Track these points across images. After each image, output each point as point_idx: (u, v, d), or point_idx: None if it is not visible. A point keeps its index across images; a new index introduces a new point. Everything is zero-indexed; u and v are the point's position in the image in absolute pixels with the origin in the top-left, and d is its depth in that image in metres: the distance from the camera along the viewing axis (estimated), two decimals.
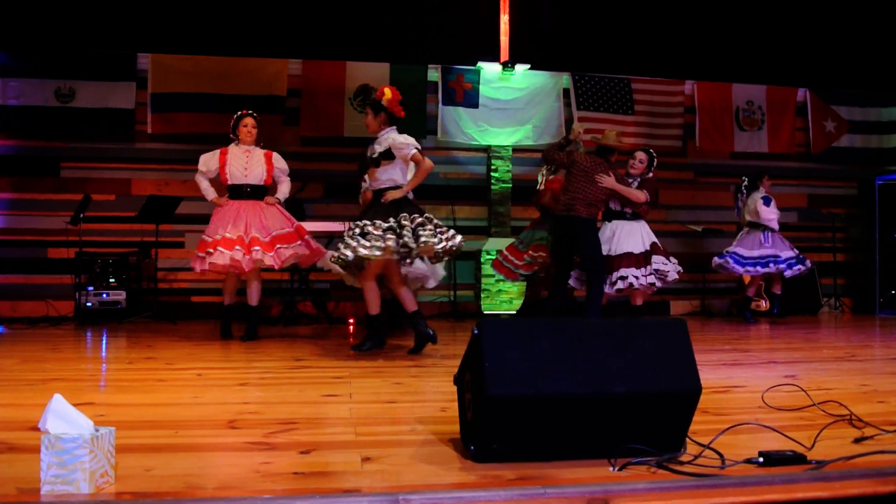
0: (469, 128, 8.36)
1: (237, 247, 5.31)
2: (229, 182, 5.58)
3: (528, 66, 8.43)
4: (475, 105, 8.40)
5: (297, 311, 7.36)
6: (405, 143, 4.69)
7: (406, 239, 4.36)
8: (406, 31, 8.10)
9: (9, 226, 7.72)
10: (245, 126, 5.60)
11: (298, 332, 6.40)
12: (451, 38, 8.19)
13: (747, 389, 3.40)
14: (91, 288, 7.05)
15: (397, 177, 4.74)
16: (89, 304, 7.01)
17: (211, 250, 5.34)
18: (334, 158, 7.90)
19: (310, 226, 7.53)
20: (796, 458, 2.03)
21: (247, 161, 5.59)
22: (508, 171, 8.45)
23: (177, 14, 7.64)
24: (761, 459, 2.03)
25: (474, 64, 8.40)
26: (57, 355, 4.75)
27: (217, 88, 7.82)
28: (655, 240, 6.38)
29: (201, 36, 7.79)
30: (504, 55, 8.33)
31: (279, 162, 5.76)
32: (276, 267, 5.58)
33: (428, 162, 4.69)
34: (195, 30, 7.75)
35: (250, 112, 5.75)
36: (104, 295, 7.06)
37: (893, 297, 8.81)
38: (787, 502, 1.79)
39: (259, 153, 5.67)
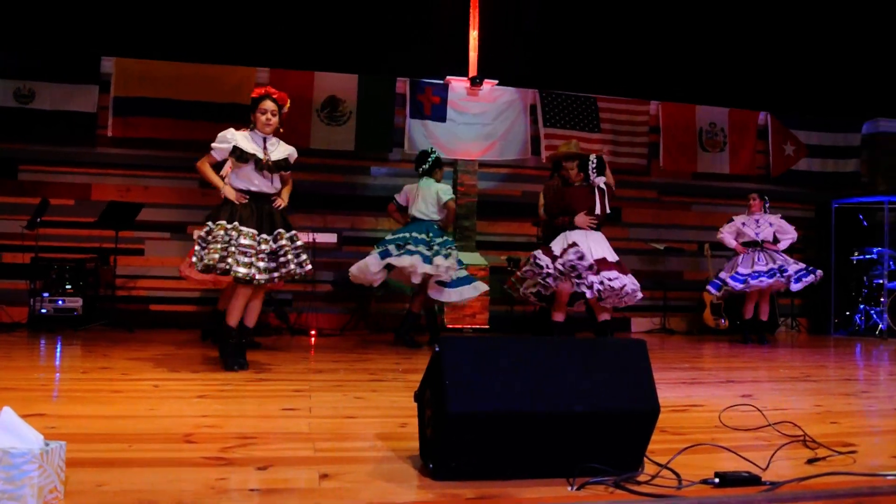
0: (436, 141, 8.38)
1: None
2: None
3: (496, 81, 8.49)
4: (443, 119, 8.44)
5: (259, 322, 7.27)
6: (296, 157, 4.66)
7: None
8: (375, 43, 8.11)
9: None
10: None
11: (260, 342, 6.32)
12: (421, 52, 8.22)
13: (705, 409, 3.45)
14: (46, 294, 6.89)
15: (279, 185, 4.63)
16: (44, 310, 6.85)
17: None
18: (300, 168, 7.80)
19: None
20: (751, 479, 2.06)
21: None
22: (475, 185, 8.49)
23: (143, 17, 7.55)
24: (717, 480, 2.05)
25: (443, 78, 8.44)
26: (8, 364, 4.62)
27: (182, 94, 7.73)
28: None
29: (167, 41, 7.71)
30: (472, 70, 8.39)
31: None
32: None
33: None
34: (161, 34, 7.66)
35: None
36: (60, 302, 6.90)
37: (848, 318, 9.02)
38: None
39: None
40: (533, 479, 2.06)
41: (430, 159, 6.43)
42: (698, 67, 8.83)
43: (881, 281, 8.68)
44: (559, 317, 5.97)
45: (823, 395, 4.00)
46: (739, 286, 7.29)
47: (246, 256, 4.20)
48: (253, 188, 4.42)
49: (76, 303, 6.94)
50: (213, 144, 4.43)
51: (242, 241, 4.23)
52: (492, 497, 1.91)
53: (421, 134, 8.35)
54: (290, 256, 4.37)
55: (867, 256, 9.00)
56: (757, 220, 7.53)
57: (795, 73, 8.98)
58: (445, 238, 6.26)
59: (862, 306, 8.85)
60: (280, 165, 4.50)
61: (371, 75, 8.28)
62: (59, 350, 5.48)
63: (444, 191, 6.33)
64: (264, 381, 4.13)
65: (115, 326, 6.93)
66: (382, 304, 8.17)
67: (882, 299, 8.61)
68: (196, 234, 4.41)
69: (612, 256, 5.81)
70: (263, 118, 4.48)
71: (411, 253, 5.96)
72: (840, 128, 9.66)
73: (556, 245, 5.84)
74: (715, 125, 9.22)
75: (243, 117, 8.02)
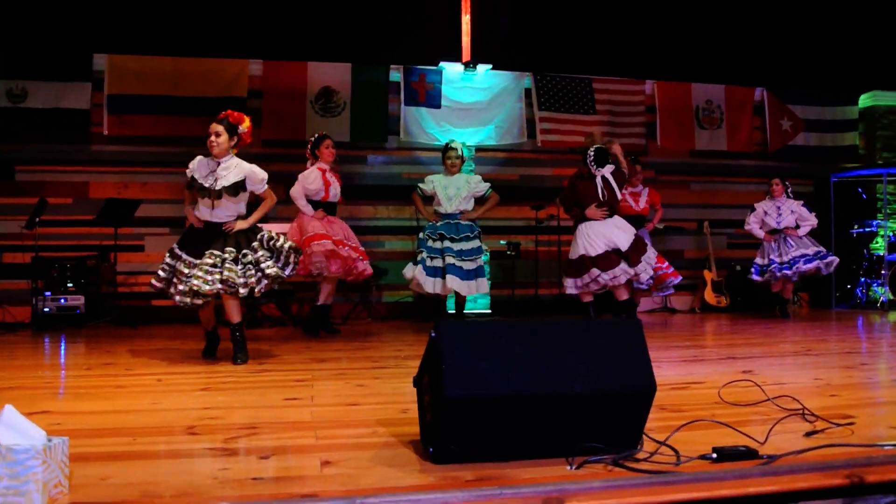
0: (431, 128, 8.37)
1: (329, 241, 5.84)
2: (329, 200, 6.10)
3: (490, 66, 8.47)
4: (437, 106, 8.42)
5: (261, 314, 7.30)
6: (263, 178, 4.57)
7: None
8: (368, 31, 8.08)
9: None
10: (328, 147, 6.11)
11: (262, 334, 6.36)
12: (413, 39, 8.19)
13: (705, 385, 3.47)
14: (48, 293, 6.91)
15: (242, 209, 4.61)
16: (47, 309, 6.87)
17: (318, 242, 5.78)
18: (296, 160, 7.80)
19: (272, 226, 7.50)
20: (748, 454, 2.08)
21: (334, 180, 6.16)
22: (471, 171, 8.48)
23: (134, 13, 7.51)
24: (714, 455, 2.07)
25: (436, 64, 8.41)
26: (13, 363, 4.65)
27: (176, 90, 7.72)
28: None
29: (159, 36, 7.68)
30: (466, 56, 8.36)
31: None
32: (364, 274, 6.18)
33: (274, 197, 4.79)
34: (153, 29, 7.63)
35: (327, 134, 6.29)
36: (62, 300, 6.92)
37: (849, 292, 9.03)
38: (739, 497, 1.83)
39: (335, 173, 6.25)
40: (532, 459, 2.09)
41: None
42: (693, 45, 8.79)
43: (881, 253, 8.68)
44: (587, 297, 6.39)
45: (823, 369, 4.02)
46: (788, 272, 7.34)
47: (183, 284, 4.28)
48: (202, 217, 4.48)
49: (78, 301, 6.95)
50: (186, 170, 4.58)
51: (179, 267, 4.34)
52: (491, 478, 1.93)
53: (416, 121, 8.34)
54: (228, 275, 4.23)
55: (867, 229, 9.00)
56: (778, 207, 7.55)
57: (791, 48, 8.94)
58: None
59: (863, 279, 8.86)
60: (226, 192, 4.38)
61: (364, 64, 8.25)
62: (62, 348, 5.51)
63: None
64: (266, 371, 4.16)
65: (117, 323, 6.96)
66: (384, 291, 8.19)
67: (882, 272, 8.61)
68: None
69: (625, 243, 6.11)
70: (208, 141, 4.42)
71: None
72: (837, 101, 9.63)
73: (581, 247, 6.22)
74: (711, 102, 9.20)
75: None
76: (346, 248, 5.97)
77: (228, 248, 4.35)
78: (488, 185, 6.66)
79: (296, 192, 6.06)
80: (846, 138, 9.66)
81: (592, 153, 6.22)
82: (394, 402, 3.11)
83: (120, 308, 7.25)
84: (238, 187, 4.43)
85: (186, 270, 4.30)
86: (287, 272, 4.47)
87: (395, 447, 2.32)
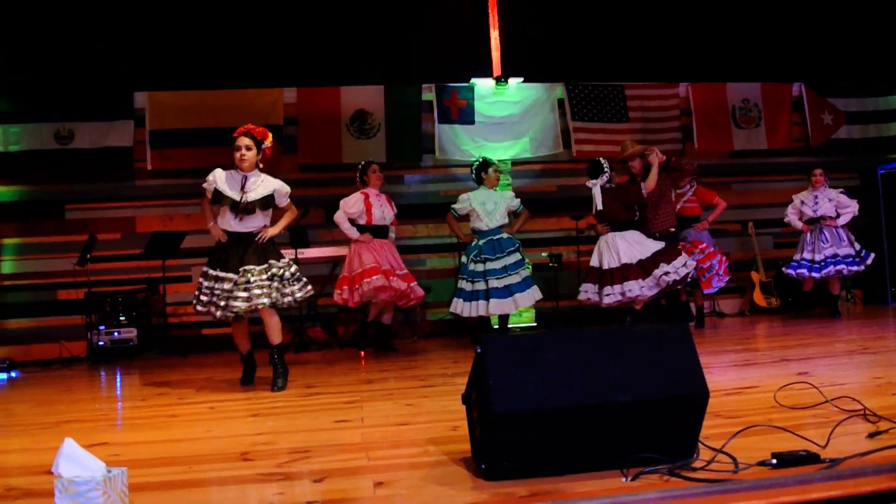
0: (466, 144, 8.39)
1: (380, 276, 6.04)
2: (373, 223, 6.27)
3: (521, 79, 8.46)
4: (471, 122, 8.43)
5: (308, 338, 7.37)
6: (287, 191, 4.69)
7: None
8: (398, 52, 8.14)
9: (17, 270, 7.78)
10: (375, 172, 6.38)
11: (309, 358, 6.41)
12: (444, 57, 8.22)
13: (760, 390, 3.39)
14: (102, 327, 7.08)
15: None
16: (101, 342, 7.04)
17: (368, 279, 6.00)
18: (334, 184, 7.92)
19: (313, 252, 7.61)
20: (810, 458, 2.03)
21: (381, 204, 6.35)
22: (509, 185, 8.47)
23: (170, 50, 7.70)
24: (774, 461, 2.02)
25: (468, 81, 8.44)
26: (70, 396, 4.77)
27: (214, 122, 7.87)
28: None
29: (196, 71, 7.85)
30: (496, 70, 8.36)
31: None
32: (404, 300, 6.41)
33: (296, 210, 4.98)
34: (189, 65, 7.80)
35: (373, 160, 6.62)
36: (115, 333, 7.09)
37: None
38: (802, 503, 1.78)
39: (384, 197, 6.46)
40: (586, 472, 2.06)
41: (473, 168, 6.69)
42: (727, 44, 8.66)
43: None
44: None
45: (883, 367, 3.90)
46: (816, 276, 7.25)
47: (222, 300, 4.32)
48: (230, 229, 4.49)
49: (131, 333, 7.12)
50: (203, 185, 4.57)
51: (225, 286, 4.34)
52: (545, 493, 1.91)
53: (450, 138, 8.37)
54: (256, 291, 4.28)
55: None
56: (816, 197, 7.43)
57: (826, 40, 8.75)
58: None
59: None
60: (256, 206, 4.46)
61: (397, 85, 8.33)
62: (118, 380, 5.63)
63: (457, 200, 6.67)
64: (316, 395, 4.19)
65: (169, 353, 7.09)
66: (427, 309, 8.21)
67: None
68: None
69: (631, 258, 6.15)
70: (237, 155, 4.47)
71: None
72: (878, 92, 9.39)
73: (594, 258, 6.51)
74: (748, 101, 9.05)
75: (277, 138, 8.21)
76: (396, 278, 6.13)
77: (261, 264, 4.39)
78: (519, 200, 6.66)
79: (338, 216, 6.26)
80: (891, 128, 9.40)
81: (588, 166, 6.48)
82: (443, 420, 3.10)
83: (170, 338, 7.39)
84: (268, 201, 4.53)
85: (227, 286, 4.32)
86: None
87: (446, 465, 2.31)
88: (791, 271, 7.43)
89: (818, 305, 7.91)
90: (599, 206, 6.34)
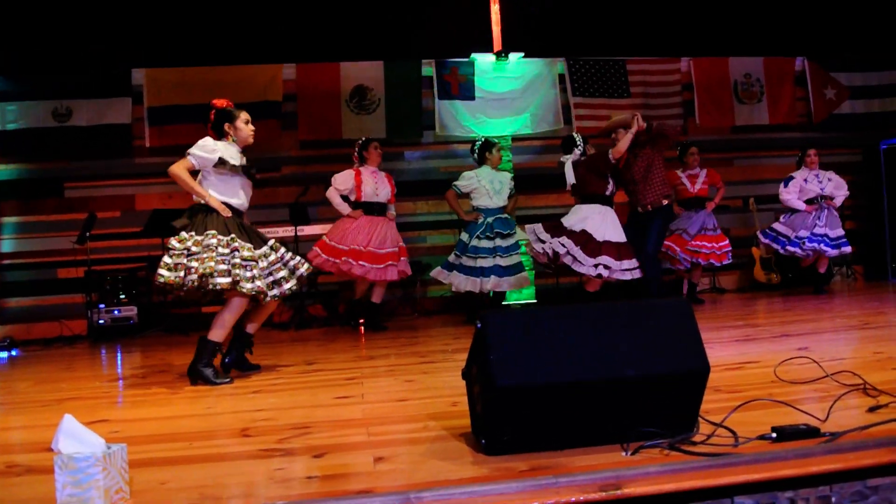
0: (467, 120, 8.34)
1: (363, 261, 6.09)
2: (363, 199, 6.26)
3: (522, 54, 8.39)
4: (471, 97, 8.37)
5: (308, 315, 7.37)
6: None
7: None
8: (397, 27, 8.07)
9: (17, 249, 7.77)
10: (376, 149, 6.38)
11: (310, 335, 6.42)
12: (443, 32, 8.15)
13: (760, 365, 3.39)
14: (102, 305, 7.09)
15: None
16: (102, 321, 7.05)
17: (346, 259, 6.06)
18: (334, 160, 7.87)
19: (314, 228, 7.60)
20: (810, 432, 2.03)
21: (375, 181, 6.31)
22: (509, 161, 8.43)
23: (168, 27, 7.63)
24: (774, 435, 2.02)
25: (468, 56, 8.37)
26: (71, 374, 4.78)
27: (212, 98, 7.80)
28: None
29: (193, 47, 7.78)
30: (497, 45, 8.29)
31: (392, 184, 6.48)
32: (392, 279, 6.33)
33: None
34: (187, 42, 7.74)
35: (374, 137, 6.68)
36: (116, 311, 7.09)
37: None
38: (802, 476, 1.78)
39: (382, 174, 6.43)
40: (586, 447, 2.06)
41: (475, 148, 6.64)
42: (728, 18, 8.57)
43: None
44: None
45: (883, 342, 3.90)
46: (800, 252, 7.29)
47: (248, 271, 3.86)
48: (235, 202, 4.10)
49: (131, 311, 7.12)
50: (193, 151, 4.03)
51: (245, 253, 3.90)
52: (546, 467, 1.91)
53: (451, 114, 8.32)
54: (284, 273, 4.06)
55: None
56: (817, 175, 7.46)
57: (830, 13, 8.66)
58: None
59: None
60: (258, 180, 4.30)
61: (396, 60, 8.26)
62: (118, 358, 5.64)
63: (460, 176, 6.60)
64: (316, 371, 4.20)
65: (170, 331, 7.10)
66: (428, 286, 8.21)
67: None
68: (172, 242, 3.98)
69: (599, 236, 5.93)
70: (248, 128, 4.21)
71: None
72: (882, 66, 9.31)
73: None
74: (750, 76, 8.98)
75: (275, 114, 8.15)
76: (363, 262, 6.06)
77: (268, 245, 4.12)
78: (513, 183, 6.71)
79: (329, 193, 6.34)
80: (895, 103, 9.34)
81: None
82: (443, 395, 3.11)
83: (171, 316, 7.40)
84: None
85: (248, 254, 3.90)
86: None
87: (446, 440, 2.31)
88: (795, 248, 7.36)
89: (806, 282, 7.95)
90: (572, 181, 6.16)
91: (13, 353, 6.37)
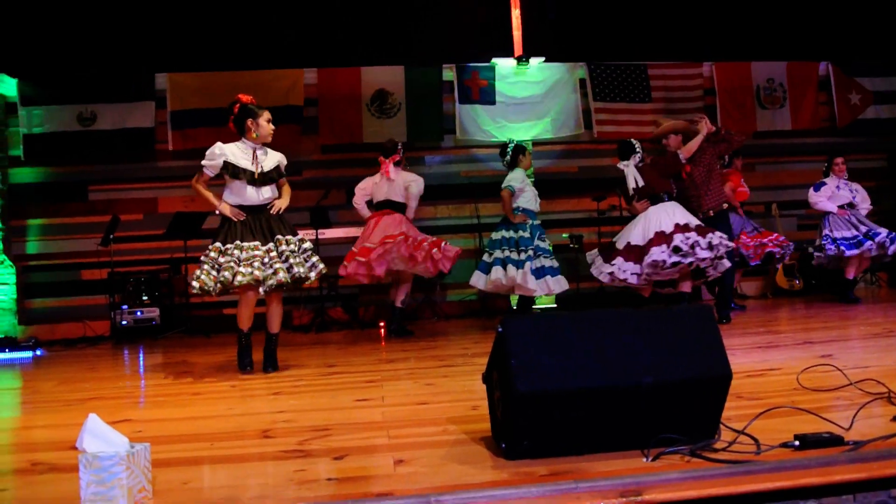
0: (487, 125, 8.34)
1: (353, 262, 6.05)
2: (377, 199, 6.35)
3: (543, 58, 8.38)
4: (492, 102, 8.38)
5: (328, 318, 7.41)
6: (286, 162, 4.55)
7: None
8: (418, 32, 8.10)
9: (42, 251, 7.88)
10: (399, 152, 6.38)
11: (330, 338, 6.45)
12: (464, 37, 8.16)
13: (782, 372, 3.36)
14: (125, 307, 7.17)
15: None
16: (124, 322, 7.13)
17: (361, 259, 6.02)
18: (355, 164, 7.91)
19: (335, 232, 7.65)
20: (833, 440, 2.00)
21: (388, 180, 6.31)
22: (530, 165, 8.42)
23: (190, 33, 7.71)
24: (797, 443, 2.00)
25: (488, 60, 8.38)
26: (95, 375, 4.83)
27: None
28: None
29: (216, 52, 7.85)
30: (518, 50, 8.28)
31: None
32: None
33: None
34: (209, 47, 7.81)
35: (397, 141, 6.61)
36: (138, 313, 7.17)
37: None
38: (825, 485, 1.76)
39: (400, 173, 6.39)
40: (607, 452, 2.05)
41: (507, 150, 6.63)
42: (751, 23, 8.51)
43: None
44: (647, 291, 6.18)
45: None
46: (853, 252, 7.04)
47: (246, 266, 4.15)
48: (246, 203, 4.35)
49: (154, 312, 7.20)
50: (203, 162, 4.35)
51: (243, 255, 4.19)
52: (565, 473, 1.91)
53: (471, 119, 8.32)
54: (294, 261, 4.26)
55: None
56: (847, 184, 7.42)
57: (854, 17, 8.56)
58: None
59: None
60: (271, 176, 4.41)
61: (417, 65, 8.29)
62: (141, 359, 5.70)
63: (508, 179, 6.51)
64: (337, 374, 4.21)
65: (192, 333, 7.16)
66: (448, 290, 8.21)
67: None
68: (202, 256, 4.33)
69: (637, 240, 5.83)
70: (269, 126, 4.39)
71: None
72: None
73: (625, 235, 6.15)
74: (773, 81, 8.90)
75: (296, 119, 8.19)
76: (383, 248, 5.92)
77: (295, 235, 4.37)
78: None
79: (354, 200, 6.46)
80: None
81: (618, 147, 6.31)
82: (463, 399, 3.11)
83: (193, 318, 7.46)
84: (279, 171, 4.47)
85: (248, 255, 4.19)
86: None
87: (466, 444, 2.31)
88: (832, 248, 7.10)
89: (830, 289, 7.82)
90: (640, 183, 5.99)
91: (38, 353, 6.45)
